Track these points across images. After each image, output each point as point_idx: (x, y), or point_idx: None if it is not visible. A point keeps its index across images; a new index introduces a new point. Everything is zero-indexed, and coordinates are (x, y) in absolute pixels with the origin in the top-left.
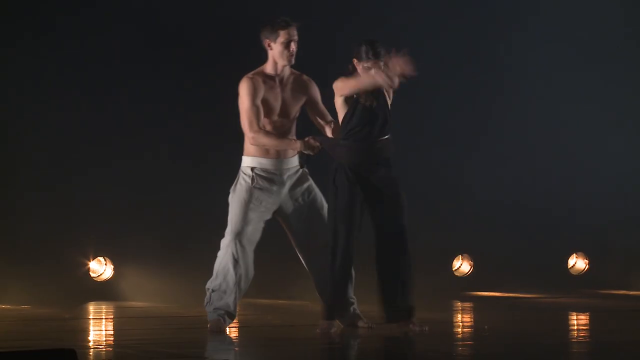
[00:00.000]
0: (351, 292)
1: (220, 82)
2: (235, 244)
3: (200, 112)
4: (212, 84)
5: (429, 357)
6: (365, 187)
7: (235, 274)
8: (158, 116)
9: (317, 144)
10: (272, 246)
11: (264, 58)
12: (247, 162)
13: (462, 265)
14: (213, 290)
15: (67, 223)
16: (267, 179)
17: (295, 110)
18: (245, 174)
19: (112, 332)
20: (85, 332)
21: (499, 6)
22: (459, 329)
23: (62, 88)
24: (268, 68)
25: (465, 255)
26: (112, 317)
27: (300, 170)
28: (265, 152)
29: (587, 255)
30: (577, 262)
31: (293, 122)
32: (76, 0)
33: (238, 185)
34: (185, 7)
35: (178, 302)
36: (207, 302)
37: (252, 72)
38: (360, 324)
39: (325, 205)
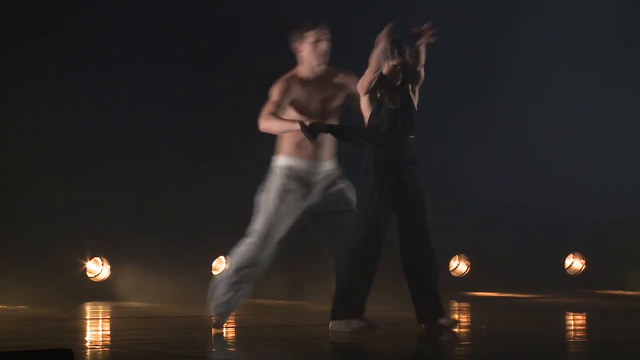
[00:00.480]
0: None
1: (221, 82)
2: (261, 242)
3: (199, 112)
4: (212, 83)
5: (426, 357)
6: (394, 188)
7: (252, 271)
8: (157, 116)
9: (322, 129)
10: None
11: (264, 58)
12: (280, 161)
13: (459, 266)
14: (220, 283)
15: (64, 223)
16: (299, 179)
17: (333, 109)
18: (276, 173)
19: (109, 332)
20: (83, 332)
21: (499, 6)
22: (456, 329)
23: (60, 88)
24: (301, 70)
25: (462, 255)
26: (109, 317)
27: (336, 172)
28: (298, 152)
29: (584, 255)
30: (574, 262)
31: (334, 121)
32: (77, 0)
33: (269, 184)
34: (186, 7)
35: (175, 302)
36: (209, 295)
37: (286, 76)
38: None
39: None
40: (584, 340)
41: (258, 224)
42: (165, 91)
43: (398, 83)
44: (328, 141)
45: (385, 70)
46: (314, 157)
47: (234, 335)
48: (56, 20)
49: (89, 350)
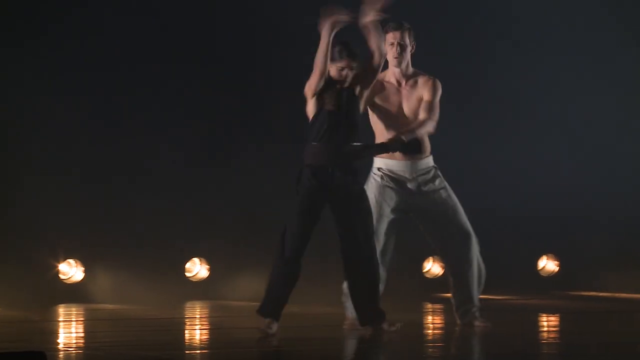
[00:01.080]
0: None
1: (196, 82)
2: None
3: (173, 115)
4: (185, 85)
5: (398, 359)
6: (328, 193)
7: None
8: (128, 118)
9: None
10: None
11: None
12: (376, 163)
13: (432, 267)
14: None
15: (37, 225)
16: (394, 179)
17: (416, 110)
18: (374, 173)
19: (82, 335)
20: (55, 334)
21: (499, 5)
22: (430, 331)
23: (39, 89)
24: (386, 72)
25: (436, 257)
26: (82, 319)
27: (432, 171)
28: (392, 155)
29: (558, 257)
30: (548, 264)
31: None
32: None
33: (369, 182)
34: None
35: (148, 304)
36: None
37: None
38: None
39: (457, 205)
40: (557, 342)
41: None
42: (140, 92)
43: (345, 86)
44: (420, 139)
45: (332, 72)
46: (407, 157)
47: (208, 337)
48: (56, 20)
49: (61, 352)
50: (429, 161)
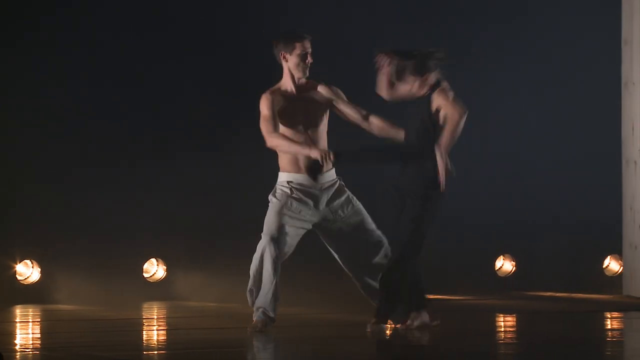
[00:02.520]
0: None
1: (153, 82)
2: (271, 246)
3: (133, 113)
4: (145, 84)
5: (351, 359)
6: None
7: (272, 275)
8: (84, 117)
9: (332, 159)
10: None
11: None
12: (283, 177)
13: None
14: (256, 293)
15: None
16: (304, 192)
17: (320, 120)
18: (282, 186)
19: (39, 336)
20: (12, 335)
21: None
22: (387, 331)
23: None
24: (285, 83)
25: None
26: (39, 320)
27: (337, 183)
28: (299, 168)
29: (514, 257)
30: (504, 264)
31: (321, 133)
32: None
33: (277, 194)
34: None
35: (106, 305)
36: (252, 304)
37: (270, 89)
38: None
39: (366, 214)
40: (514, 342)
41: (265, 228)
42: (98, 90)
43: None
44: (321, 145)
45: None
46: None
47: (164, 338)
48: (55, 19)
49: (19, 353)
50: (333, 173)
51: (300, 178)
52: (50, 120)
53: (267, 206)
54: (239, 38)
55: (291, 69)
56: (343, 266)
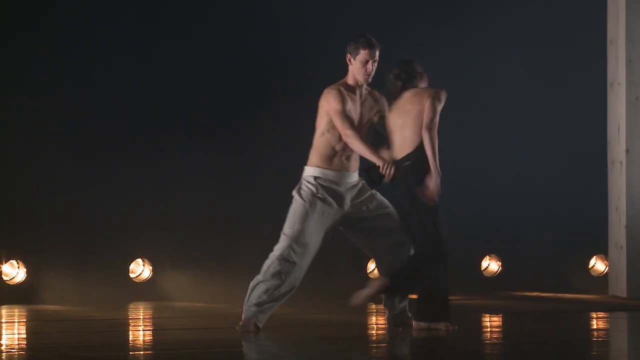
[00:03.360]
0: None
1: (136, 81)
2: (291, 248)
3: (120, 113)
4: (128, 83)
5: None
6: None
7: (287, 275)
8: (75, 116)
9: (392, 173)
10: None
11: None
12: (310, 172)
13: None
14: (254, 288)
15: None
16: (329, 189)
17: (368, 123)
18: (309, 182)
19: (25, 336)
20: None
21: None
22: (373, 332)
23: None
24: (349, 80)
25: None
26: (25, 320)
27: (360, 183)
28: (331, 163)
29: (500, 257)
30: (491, 264)
31: (364, 134)
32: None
33: (302, 192)
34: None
35: (92, 305)
36: (247, 297)
37: (336, 84)
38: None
39: (391, 207)
40: (500, 342)
41: (288, 229)
42: (87, 91)
43: None
44: (356, 153)
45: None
46: (343, 168)
47: (151, 338)
48: (54, 18)
49: (4, 353)
50: (357, 174)
51: (331, 175)
52: (36, 120)
53: (252, 206)
54: (241, 38)
55: (354, 72)
56: (374, 259)
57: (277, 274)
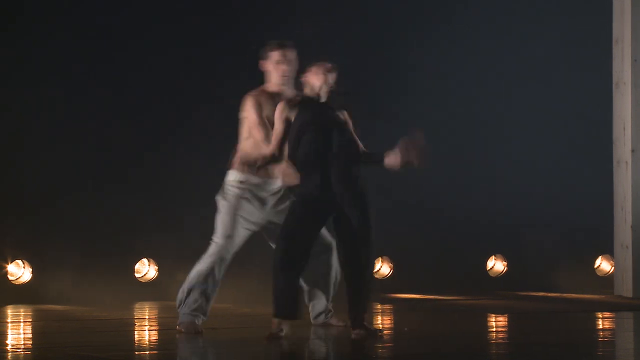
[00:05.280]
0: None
1: (150, 77)
2: (224, 248)
3: (128, 113)
4: (138, 85)
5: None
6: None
7: (218, 276)
8: (80, 114)
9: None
10: None
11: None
12: (235, 176)
13: (382, 268)
14: (189, 291)
15: None
16: (253, 193)
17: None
18: (233, 186)
19: (30, 336)
20: (3, 335)
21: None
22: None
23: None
24: (268, 86)
25: (385, 257)
26: (30, 320)
27: (282, 191)
28: (250, 168)
29: (506, 257)
30: (496, 264)
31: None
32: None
33: (227, 195)
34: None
35: (98, 305)
36: (181, 303)
37: (255, 90)
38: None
39: None
40: (506, 342)
41: (220, 229)
42: (87, 94)
43: None
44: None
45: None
46: (266, 174)
47: (156, 338)
48: (54, 17)
49: (10, 353)
50: (279, 180)
51: (254, 180)
52: (40, 121)
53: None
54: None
55: (271, 77)
56: None
57: (212, 275)
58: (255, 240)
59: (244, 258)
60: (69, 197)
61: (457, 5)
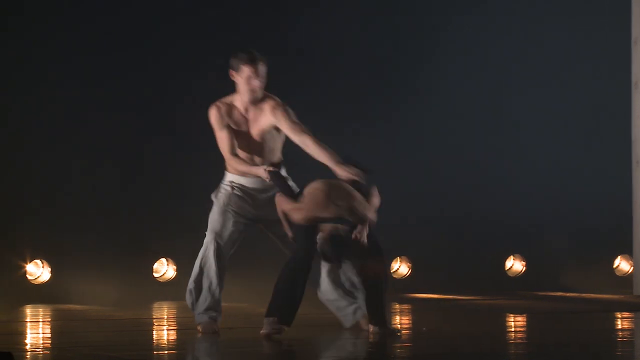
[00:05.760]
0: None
1: (164, 81)
2: (215, 243)
3: (142, 113)
4: (156, 82)
5: (368, 359)
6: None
7: (218, 269)
8: (99, 116)
9: (267, 177)
10: None
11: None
12: (229, 177)
13: (400, 267)
14: (196, 291)
15: (4, 225)
16: (243, 190)
17: (261, 132)
18: (225, 185)
19: (49, 335)
20: (23, 335)
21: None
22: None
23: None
24: (235, 98)
25: (403, 257)
26: (49, 319)
27: (272, 191)
28: (243, 172)
29: (524, 257)
30: (515, 264)
31: (263, 143)
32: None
33: (219, 192)
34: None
35: (116, 304)
36: (192, 305)
37: (220, 100)
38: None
39: None
40: (524, 342)
41: (209, 225)
42: (112, 89)
43: None
44: (268, 159)
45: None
46: (255, 174)
47: (174, 337)
48: (53, 17)
49: (29, 353)
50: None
51: (243, 180)
52: (59, 120)
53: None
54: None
55: (239, 89)
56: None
57: (210, 270)
58: (267, 239)
59: (256, 257)
60: (88, 197)
61: (480, 5)
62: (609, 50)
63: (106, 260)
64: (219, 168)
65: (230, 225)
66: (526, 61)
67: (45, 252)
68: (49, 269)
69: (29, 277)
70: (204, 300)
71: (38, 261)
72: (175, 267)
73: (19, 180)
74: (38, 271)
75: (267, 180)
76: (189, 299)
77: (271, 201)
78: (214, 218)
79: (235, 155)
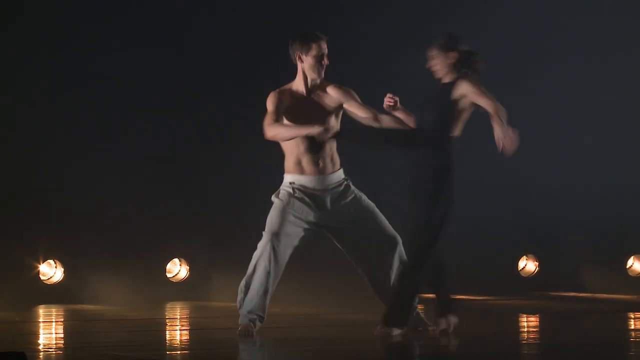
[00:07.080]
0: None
1: (175, 85)
2: (271, 245)
3: (156, 115)
4: (167, 87)
5: (378, 359)
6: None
7: (269, 272)
8: (112, 118)
9: (330, 134)
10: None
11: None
12: (288, 178)
13: None
14: (245, 291)
15: (17, 225)
16: (306, 192)
17: (329, 122)
18: (286, 187)
19: (62, 335)
20: (36, 335)
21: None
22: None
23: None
24: (297, 83)
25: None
26: (62, 320)
27: (344, 184)
28: (301, 169)
29: (537, 257)
30: (528, 265)
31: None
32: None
33: (280, 194)
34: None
35: (129, 304)
36: (240, 303)
37: (279, 89)
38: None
39: (377, 212)
40: (537, 342)
41: (267, 226)
42: (116, 95)
43: None
44: (328, 154)
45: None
46: (313, 172)
47: (187, 338)
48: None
49: (42, 353)
50: (340, 174)
51: (303, 180)
52: (73, 121)
53: None
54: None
55: (305, 70)
56: (357, 269)
57: (262, 272)
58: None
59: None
60: (101, 198)
61: (519, 7)
62: (609, 50)
63: (119, 260)
64: (233, 170)
65: (288, 228)
66: (555, 63)
67: (58, 253)
68: (62, 270)
69: (42, 278)
70: (250, 301)
71: (51, 261)
72: (188, 267)
73: (31, 181)
74: (51, 271)
75: (322, 136)
76: (238, 296)
77: (336, 205)
78: (272, 219)
79: (277, 123)
